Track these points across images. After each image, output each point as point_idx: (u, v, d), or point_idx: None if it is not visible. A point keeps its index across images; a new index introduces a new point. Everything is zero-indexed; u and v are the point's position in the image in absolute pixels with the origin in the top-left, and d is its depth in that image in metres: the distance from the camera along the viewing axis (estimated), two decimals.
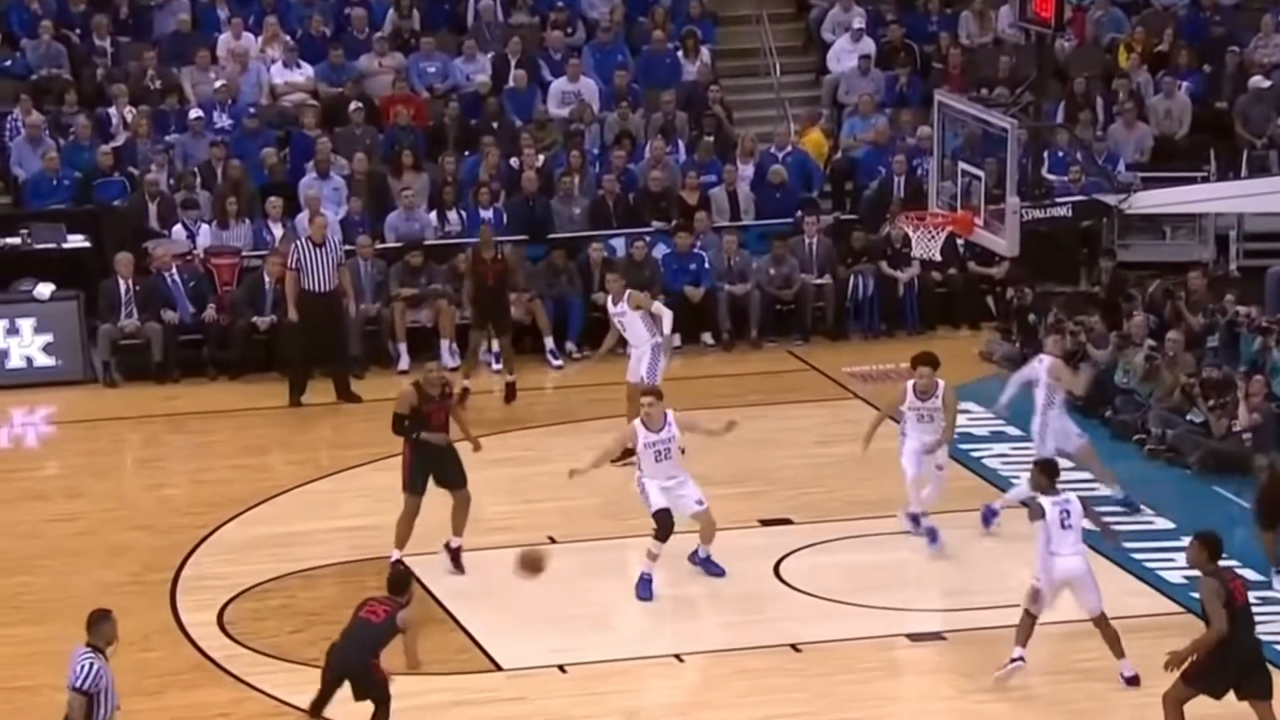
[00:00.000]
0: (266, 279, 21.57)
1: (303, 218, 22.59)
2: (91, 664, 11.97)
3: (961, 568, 16.51)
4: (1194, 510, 17.63)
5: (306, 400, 20.61)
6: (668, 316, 18.78)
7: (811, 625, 15.40)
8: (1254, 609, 12.97)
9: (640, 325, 18.65)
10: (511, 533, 16.95)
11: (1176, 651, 12.62)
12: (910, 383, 16.66)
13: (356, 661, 13.15)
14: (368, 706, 13.14)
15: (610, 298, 19.07)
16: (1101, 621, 14.19)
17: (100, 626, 12.15)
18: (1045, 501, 14.11)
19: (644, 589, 15.66)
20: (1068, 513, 14.07)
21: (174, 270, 21.66)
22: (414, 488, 16.03)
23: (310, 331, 20.61)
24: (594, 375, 21.58)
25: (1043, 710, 14.09)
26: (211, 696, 14.36)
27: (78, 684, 11.94)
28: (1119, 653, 14.15)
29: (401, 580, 13.53)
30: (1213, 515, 17.67)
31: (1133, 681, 14.08)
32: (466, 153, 23.92)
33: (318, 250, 20.48)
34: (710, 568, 16.07)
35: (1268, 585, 15.82)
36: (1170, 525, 17.35)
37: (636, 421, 16.01)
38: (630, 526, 17.16)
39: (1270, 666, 13.06)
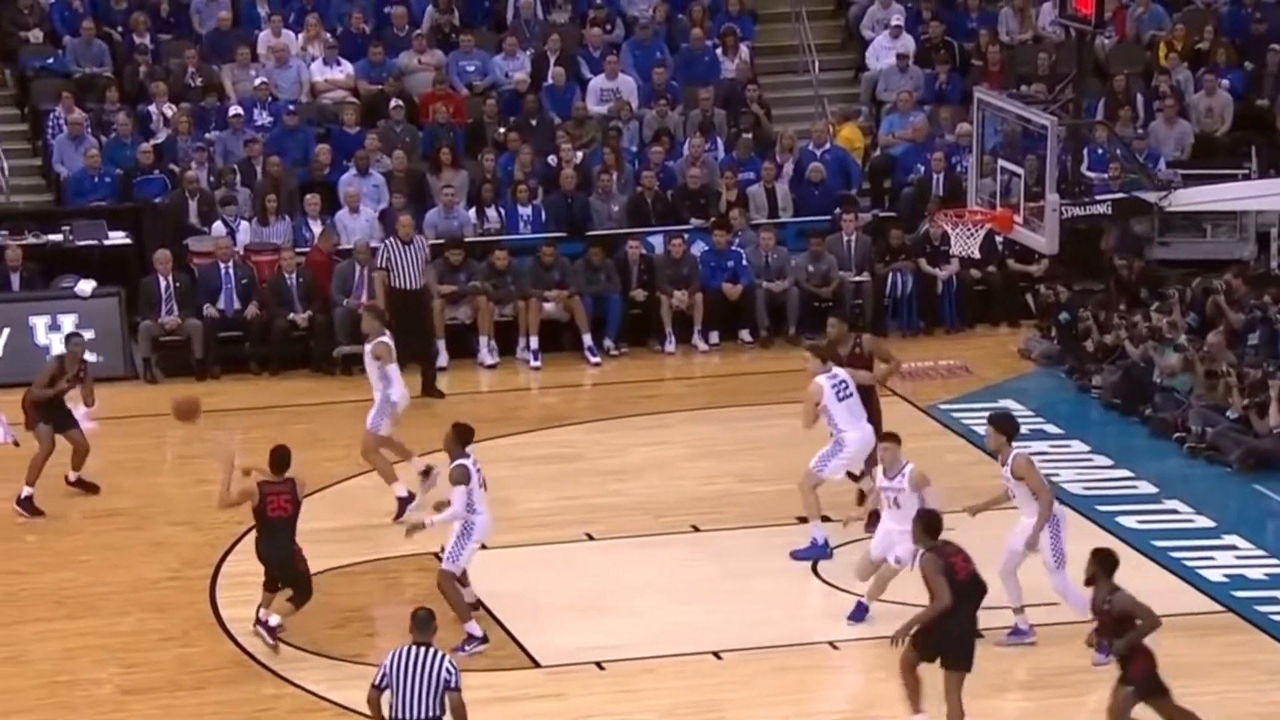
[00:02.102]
0: (287, 275, 21.67)
1: (343, 214, 22.71)
2: (454, 662, 11.97)
3: (992, 567, 16.37)
4: (1234, 508, 17.59)
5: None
6: (396, 384, 17.52)
7: (849, 623, 15.39)
8: None
9: (374, 374, 17.65)
10: (550, 529, 16.99)
11: (902, 628, 13.11)
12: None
13: (284, 554, 14.75)
14: None
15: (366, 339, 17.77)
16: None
17: (428, 626, 12.11)
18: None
19: None
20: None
21: (230, 263, 21.78)
22: None
23: (398, 329, 20.70)
24: (632, 372, 21.65)
25: (1083, 712, 14.06)
26: (251, 692, 14.42)
27: (457, 683, 11.86)
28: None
29: (282, 460, 14.80)
30: (1253, 513, 17.64)
31: None
32: (505, 131, 23.71)
33: (405, 248, 20.57)
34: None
35: None
36: (1211, 524, 17.30)
37: None
38: (668, 524, 17.21)
39: None
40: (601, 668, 14.67)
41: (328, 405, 20.73)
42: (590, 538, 16.82)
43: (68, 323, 21.29)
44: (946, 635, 13.06)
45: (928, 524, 13.27)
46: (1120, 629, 12.83)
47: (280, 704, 14.25)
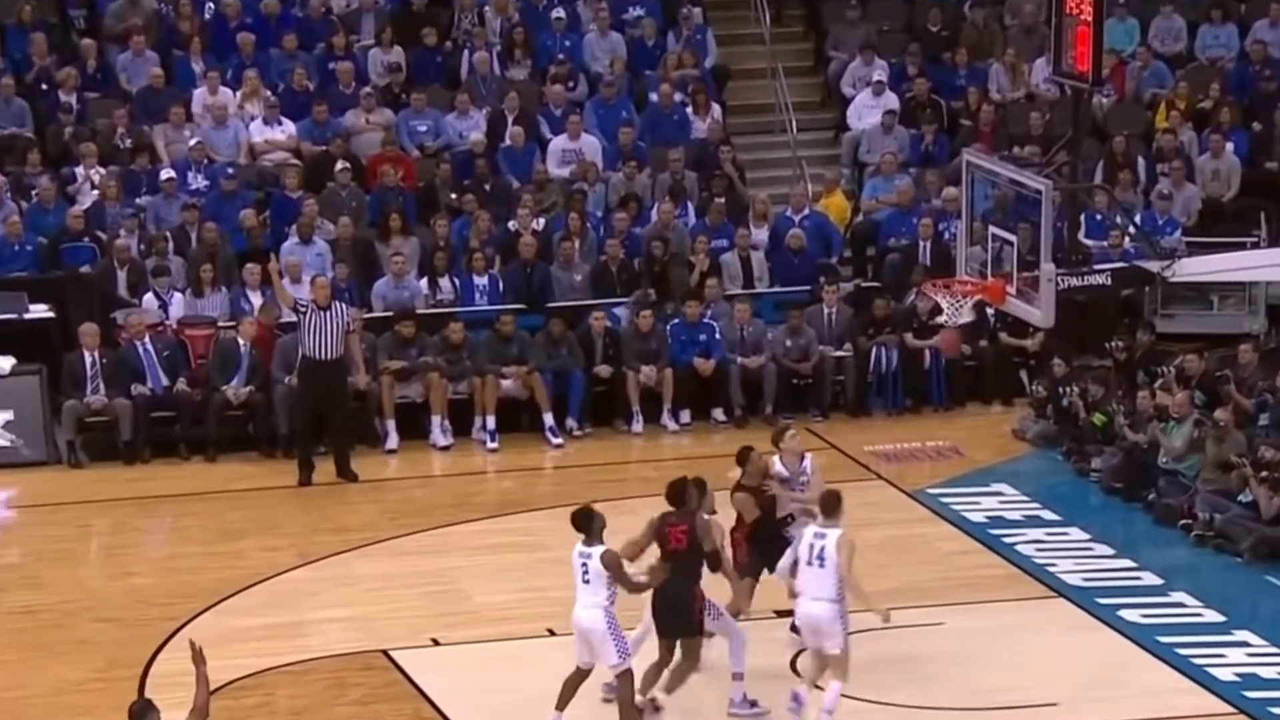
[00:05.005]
0: (240, 342, 21.67)
1: (284, 285, 22.68)
2: None
3: (984, 664, 16.44)
4: (1245, 601, 17.58)
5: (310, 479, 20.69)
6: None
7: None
8: None
9: None
10: (511, 624, 16.94)
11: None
12: None
13: None
14: None
15: None
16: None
17: (146, 716, 12.03)
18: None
19: None
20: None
21: (147, 340, 21.72)
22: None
23: (312, 402, 20.75)
24: (597, 454, 21.62)
25: None
26: None
27: None
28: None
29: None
30: (1266, 606, 17.65)
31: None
32: (459, 195, 23.85)
33: (322, 314, 20.56)
34: None
35: None
36: (1220, 618, 17.30)
37: None
38: (638, 618, 17.14)
39: None
40: None
41: (268, 490, 20.67)
42: (552, 633, 16.75)
43: None
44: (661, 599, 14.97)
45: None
46: None
47: None
